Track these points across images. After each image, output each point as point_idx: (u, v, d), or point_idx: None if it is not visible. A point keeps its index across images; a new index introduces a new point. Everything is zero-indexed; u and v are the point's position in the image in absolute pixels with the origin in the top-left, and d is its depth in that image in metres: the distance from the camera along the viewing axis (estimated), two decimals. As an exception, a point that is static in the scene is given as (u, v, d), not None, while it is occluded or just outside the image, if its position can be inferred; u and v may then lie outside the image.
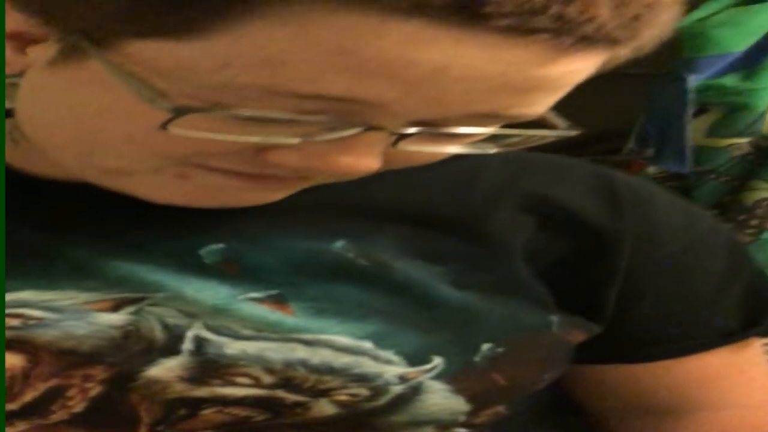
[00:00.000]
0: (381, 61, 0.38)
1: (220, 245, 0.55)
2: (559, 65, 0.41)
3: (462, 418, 0.57)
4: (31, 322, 0.51)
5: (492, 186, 0.61)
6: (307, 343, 0.53)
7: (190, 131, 0.42)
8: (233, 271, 0.54)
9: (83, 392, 0.51)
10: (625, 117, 1.30)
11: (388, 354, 0.54)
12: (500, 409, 0.59)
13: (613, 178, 0.65)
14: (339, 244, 0.56)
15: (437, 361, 0.55)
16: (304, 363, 0.53)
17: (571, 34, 0.39)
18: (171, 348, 0.52)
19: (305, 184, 0.53)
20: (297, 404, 0.53)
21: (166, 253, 0.54)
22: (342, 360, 0.53)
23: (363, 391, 0.53)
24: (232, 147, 0.45)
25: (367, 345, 0.54)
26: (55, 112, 0.50)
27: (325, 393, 0.53)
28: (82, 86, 0.46)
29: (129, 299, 0.52)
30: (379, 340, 0.54)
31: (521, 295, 0.60)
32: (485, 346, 0.56)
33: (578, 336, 0.62)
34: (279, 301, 0.54)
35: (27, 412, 0.51)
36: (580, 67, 0.42)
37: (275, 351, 0.52)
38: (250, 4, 0.37)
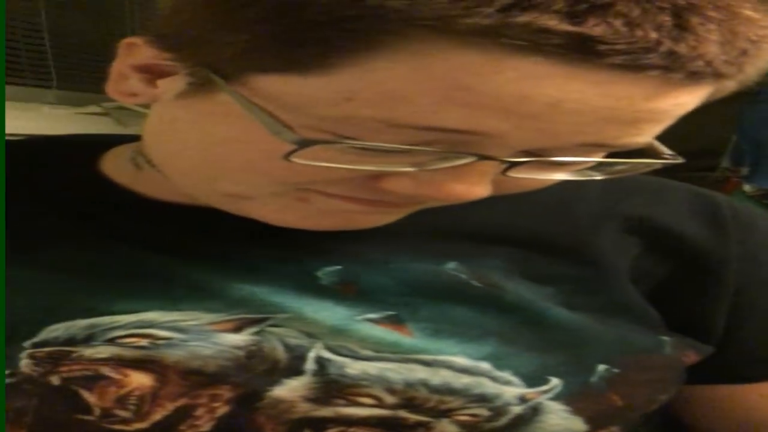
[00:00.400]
0: (497, 96, 0.39)
1: (337, 267, 0.56)
2: (667, 99, 0.41)
3: None
4: (159, 342, 0.52)
5: (595, 209, 0.62)
6: (427, 363, 0.53)
7: (311, 161, 0.44)
8: (350, 292, 0.55)
9: (211, 412, 0.51)
10: (719, 135, 1.28)
11: (506, 375, 0.54)
12: (616, 430, 0.59)
13: (715, 200, 0.65)
14: (451, 266, 0.57)
15: (555, 382, 0.55)
16: (424, 383, 0.53)
17: (680, 70, 0.39)
18: (294, 368, 0.52)
19: (418, 207, 0.53)
20: (419, 424, 0.53)
21: (284, 275, 0.55)
22: (462, 381, 0.53)
23: (484, 412, 0.53)
24: (349, 175, 0.47)
25: (485, 366, 0.54)
26: (183, 141, 0.52)
27: (446, 413, 0.53)
28: (209, 117, 0.48)
29: (250, 320, 0.53)
30: (497, 361, 0.54)
31: (631, 317, 0.60)
32: (600, 368, 0.56)
33: (691, 357, 0.62)
34: (396, 322, 0.54)
35: (155, 430, 0.51)
36: (687, 100, 0.43)
37: (395, 371, 0.53)
38: (374, 42, 0.39)
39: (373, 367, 0.53)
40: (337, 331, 0.53)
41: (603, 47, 0.37)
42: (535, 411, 0.54)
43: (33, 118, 1.95)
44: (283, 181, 0.48)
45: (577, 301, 0.58)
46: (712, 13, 0.39)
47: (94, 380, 0.51)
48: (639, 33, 0.37)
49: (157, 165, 0.57)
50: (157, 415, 0.51)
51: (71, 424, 0.51)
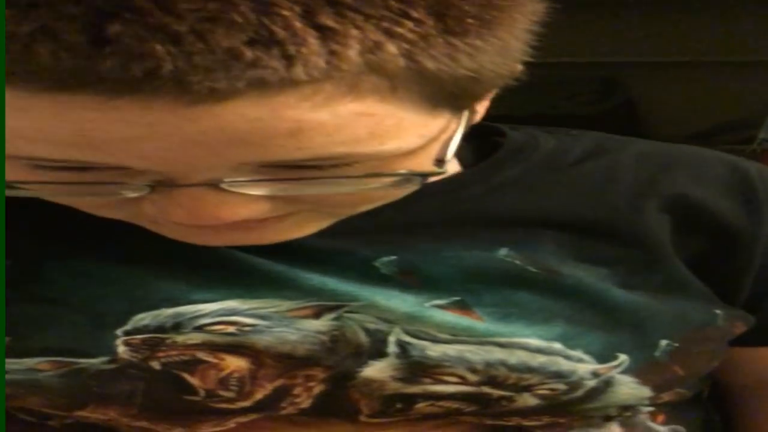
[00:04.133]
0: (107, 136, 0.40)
1: (393, 257, 0.57)
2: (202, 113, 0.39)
3: (646, 402, 0.62)
4: (245, 328, 0.54)
5: (632, 187, 0.62)
6: (503, 345, 0.56)
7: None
8: (412, 281, 0.57)
9: (308, 390, 0.55)
10: (756, 106, 1.27)
11: (578, 353, 0.57)
12: (680, 390, 0.65)
13: (750, 174, 0.66)
14: (503, 252, 0.59)
15: (623, 358, 0.58)
16: (503, 363, 0.55)
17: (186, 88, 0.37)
18: (378, 351, 0.55)
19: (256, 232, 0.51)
20: (502, 398, 0.56)
21: (348, 265, 0.57)
22: (538, 360, 0.56)
23: (561, 386, 0.57)
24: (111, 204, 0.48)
25: (558, 346, 0.57)
26: None
27: (527, 388, 0.56)
28: None
29: (327, 307, 0.55)
30: (567, 341, 0.57)
31: (686, 293, 0.63)
32: (663, 343, 0.60)
33: (740, 327, 0.66)
34: (463, 307, 0.57)
35: (258, 407, 0.55)
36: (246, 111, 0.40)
37: (474, 353, 0.55)
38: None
39: (452, 350, 0.55)
40: (412, 318, 0.55)
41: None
42: (607, 384, 0.58)
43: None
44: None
45: (634, 281, 0.60)
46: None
47: (193, 364, 0.54)
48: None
49: None
50: (259, 395, 0.55)
51: (179, 403, 0.54)
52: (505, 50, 0.45)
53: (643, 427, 0.64)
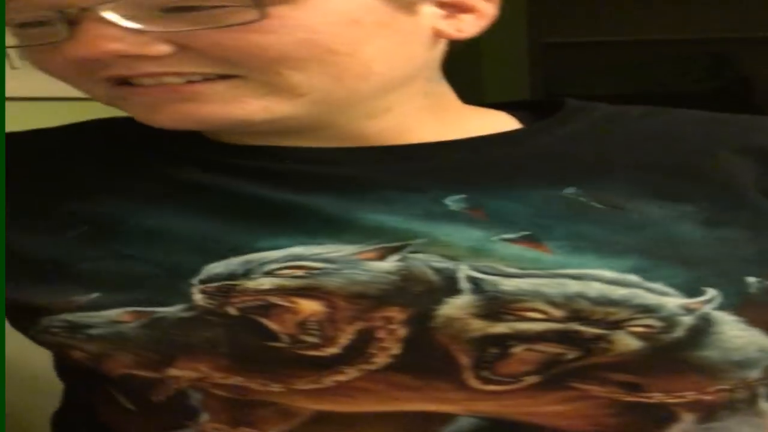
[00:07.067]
0: None
1: (462, 195, 0.58)
2: None
3: None
4: (314, 271, 0.54)
5: (703, 136, 0.63)
6: (575, 277, 0.54)
7: None
8: (480, 216, 0.57)
9: (391, 333, 0.54)
10: None
11: (659, 286, 0.54)
12: None
13: None
14: (570, 190, 0.58)
15: (712, 292, 0.55)
16: (582, 295, 0.54)
17: None
18: (451, 288, 0.54)
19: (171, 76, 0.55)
20: (598, 338, 0.54)
21: (413, 203, 0.57)
22: (618, 292, 0.54)
23: (654, 322, 0.54)
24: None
25: (634, 278, 0.54)
26: None
27: (618, 324, 0.54)
28: None
29: (390, 248, 0.55)
30: (644, 273, 0.55)
31: None
32: (751, 279, 0.56)
33: None
34: (533, 240, 0.56)
35: (350, 356, 0.54)
36: None
37: (548, 286, 0.54)
38: None
39: (525, 283, 0.54)
40: (476, 251, 0.55)
41: None
42: (707, 322, 0.54)
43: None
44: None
45: (720, 217, 0.59)
46: None
47: (267, 309, 0.54)
48: None
49: None
50: (343, 339, 0.53)
51: (266, 351, 0.54)
52: None
53: None
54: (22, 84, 0.90)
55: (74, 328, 0.56)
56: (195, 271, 0.55)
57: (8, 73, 0.87)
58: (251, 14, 0.50)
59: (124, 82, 0.55)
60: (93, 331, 0.56)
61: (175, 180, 0.60)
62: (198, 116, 0.55)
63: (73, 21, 0.51)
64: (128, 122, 0.62)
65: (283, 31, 0.52)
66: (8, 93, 0.69)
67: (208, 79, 0.54)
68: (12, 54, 1.42)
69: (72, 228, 0.59)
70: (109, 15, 0.50)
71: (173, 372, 0.55)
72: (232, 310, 0.54)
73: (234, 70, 0.54)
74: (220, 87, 0.54)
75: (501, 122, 0.65)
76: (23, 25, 0.54)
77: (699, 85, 2.97)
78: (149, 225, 0.58)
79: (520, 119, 0.66)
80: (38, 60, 0.56)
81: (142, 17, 0.51)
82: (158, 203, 0.59)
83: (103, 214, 0.59)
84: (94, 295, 0.56)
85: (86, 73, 0.54)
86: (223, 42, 0.52)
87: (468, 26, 0.59)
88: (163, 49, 0.52)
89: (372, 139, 0.60)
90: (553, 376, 0.54)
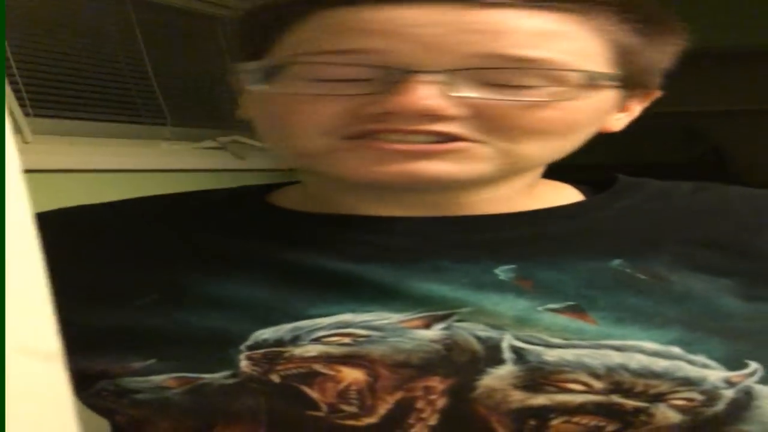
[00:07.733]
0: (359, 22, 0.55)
1: (512, 266, 0.59)
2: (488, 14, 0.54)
3: None
4: (360, 339, 0.56)
5: (749, 212, 0.65)
6: (618, 348, 0.55)
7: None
8: (528, 286, 0.58)
9: (431, 404, 0.54)
10: None
11: (702, 358, 0.55)
12: None
13: None
14: (616, 263, 0.60)
15: (754, 365, 0.55)
16: (624, 367, 0.54)
17: None
18: (494, 358, 0.54)
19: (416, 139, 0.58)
20: (638, 410, 0.53)
21: (464, 273, 0.59)
22: (660, 364, 0.54)
23: (696, 395, 0.54)
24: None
25: (676, 350, 0.55)
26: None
27: (659, 398, 0.54)
28: None
29: (437, 317, 0.56)
30: (686, 346, 0.55)
31: None
32: None
33: None
34: (578, 310, 0.57)
35: (387, 427, 0.54)
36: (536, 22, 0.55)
37: (591, 357, 0.54)
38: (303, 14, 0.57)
39: (569, 354, 0.55)
40: (522, 321, 0.56)
41: None
42: (748, 395, 0.54)
43: (152, 154, 2.01)
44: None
45: (755, 292, 0.60)
46: None
47: (310, 377, 0.55)
48: None
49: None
50: (382, 409, 0.54)
51: (304, 421, 0.55)
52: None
53: None
54: (38, 158, 0.94)
55: (122, 392, 0.57)
56: (243, 338, 0.57)
57: (20, 147, 0.91)
58: (563, 94, 0.56)
59: (361, 136, 0.57)
60: (139, 396, 0.57)
61: (238, 249, 0.61)
62: (426, 174, 0.57)
63: (396, 80, 0.54)
64: (191, 196, 0.67)
65: (569, 108, 0.57)
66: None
67: (452, 140, 0.56)
68: (25, 129, 1.46)
69: (141, 296, 0.61)
70: (436, 78, 0.54)
71: None
72: (275, 378, 0.55)
73: (488, 137, 0.57)
74: (457, 153, 0.57)
75: (565, 196, 0.67)
76: (325, 80, 0.56)
77: (674, 156, 3.04)
78: (210, 293, 0.60)
79: (584, 192, 0.68)
80: (292, 111, 0.58)
81: (457, 85, 0.55)
82: (220, 272, 0.61)
83: (172, 282, 0.61)
84: (151, 361, 0.58)
85: (344, 126, 0.57)
86: (516, 113, 0.56)
87: (619, 124, 0.64)
88: (462, 111, 0.56)
89: (466, 209, 0.63)
90: None
